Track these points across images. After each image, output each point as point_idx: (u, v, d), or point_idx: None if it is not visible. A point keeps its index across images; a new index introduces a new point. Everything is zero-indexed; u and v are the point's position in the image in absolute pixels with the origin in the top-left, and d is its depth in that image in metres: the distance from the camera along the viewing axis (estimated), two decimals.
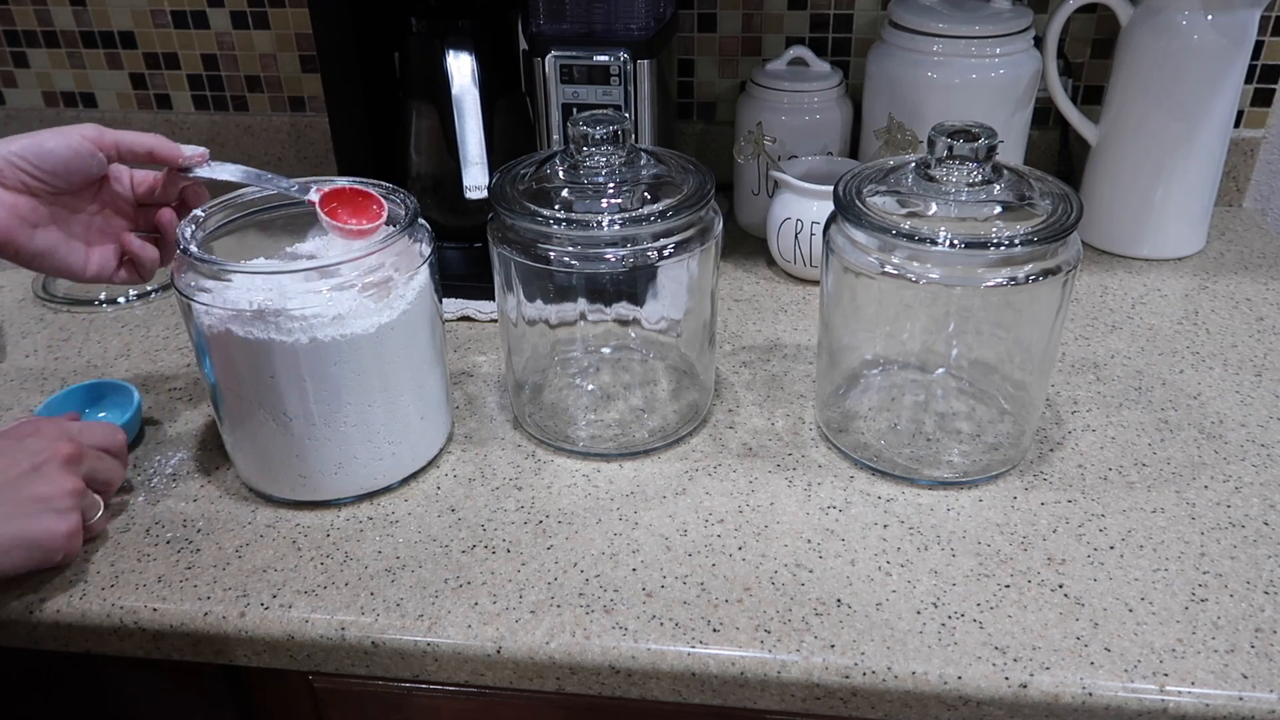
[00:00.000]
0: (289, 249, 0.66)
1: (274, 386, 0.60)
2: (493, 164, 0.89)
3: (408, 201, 0.64)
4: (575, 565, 0.60)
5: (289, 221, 0.67)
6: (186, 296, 0.59)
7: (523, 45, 0.86)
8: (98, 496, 0.61)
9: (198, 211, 0.64)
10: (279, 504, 0.65)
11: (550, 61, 0.81)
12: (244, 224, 0.66)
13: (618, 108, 0.81)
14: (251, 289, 0.58)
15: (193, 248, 0.60)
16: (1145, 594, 0.57)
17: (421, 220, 0.65)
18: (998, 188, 0.62)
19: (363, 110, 0.88)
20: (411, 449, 0.66)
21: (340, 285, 0.59)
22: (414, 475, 0.67)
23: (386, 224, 0.65)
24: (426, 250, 0.64)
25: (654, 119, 0.84)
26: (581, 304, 0.76)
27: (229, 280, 0.58)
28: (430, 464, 0.68)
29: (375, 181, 0.66)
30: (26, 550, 0.56)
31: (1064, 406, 0.74)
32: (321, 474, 0.63)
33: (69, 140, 0.63)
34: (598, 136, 0.65)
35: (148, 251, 0.66)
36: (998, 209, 0.62)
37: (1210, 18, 0.86)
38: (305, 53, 1.12)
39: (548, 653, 0.55)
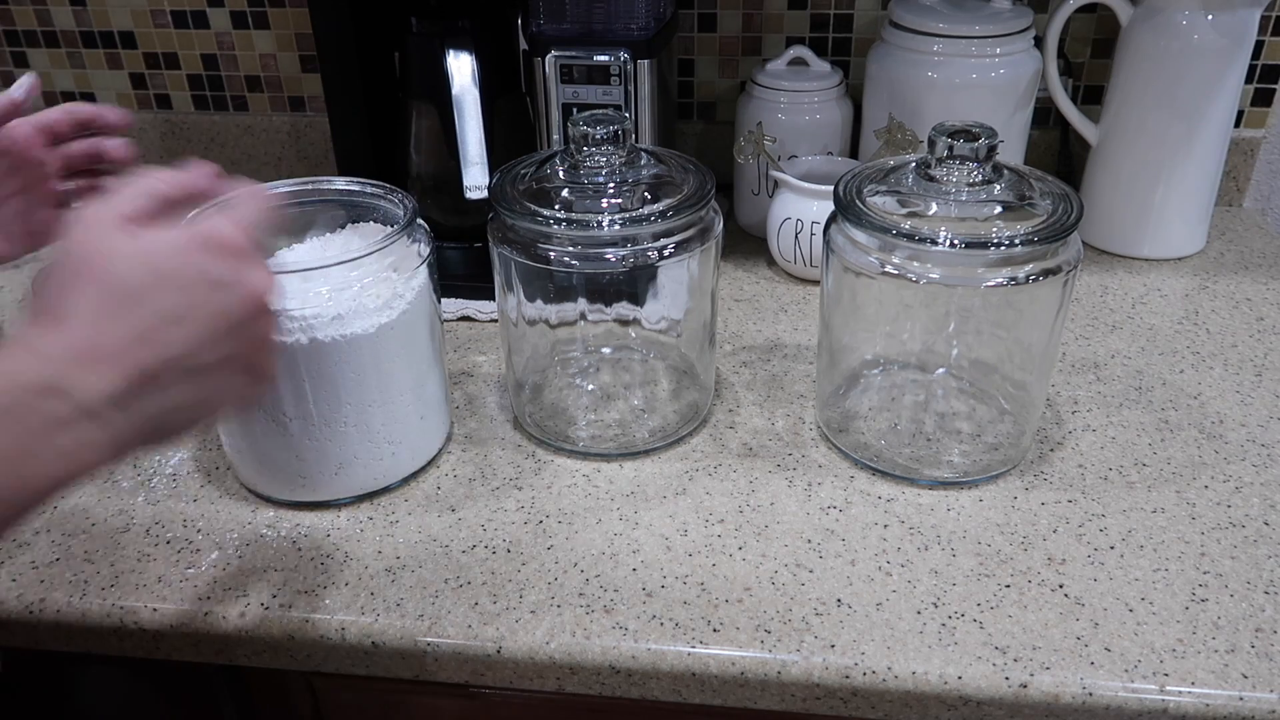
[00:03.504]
0: (287, 249, 0.66)
1: (273, 387, 0.60)
2: (493, 164, 0.89)
3: (406, 202, 0.64)
4: (575, 565, 0.60)
5: (288, 222, 0.67)
6: None
7: (523, 45, 0.86)
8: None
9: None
10: (279, 504, 0.65)
11: (550, 61, 0.81)
12: None
13: (618, 108, 0.81)
14: None
15: None
16: (1145, 594, 0.57)
17: (420, 220, 0.65)
18: (998, 188, 0.62)
19: (363, 110, 0.88)
20: (411, 449, 0.66)
21: (339, 286, 0.59)
22: (414, 475, 0.67)
23: (384, 224, 0.65)
24: (425, 250, 0.64)
25: (654, 119, 0.84)
26: (581, 304, 0.76)
27: None
28: (430, 464, 0.68)
29: (373, 182, 0.66)
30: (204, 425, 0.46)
31: (1064, 406, 0.74)
32: (321, 475, 0.63)
33: None
34: (598, 136, 0.65)
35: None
36: (998, 209, 0.62)
37: (1210, 18, 0.86)
38: (305, 53, 1.12)
39: (548, 653, 0.55)
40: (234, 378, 0.43)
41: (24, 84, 0.64)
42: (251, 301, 0.43)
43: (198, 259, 0.42)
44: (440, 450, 0.69)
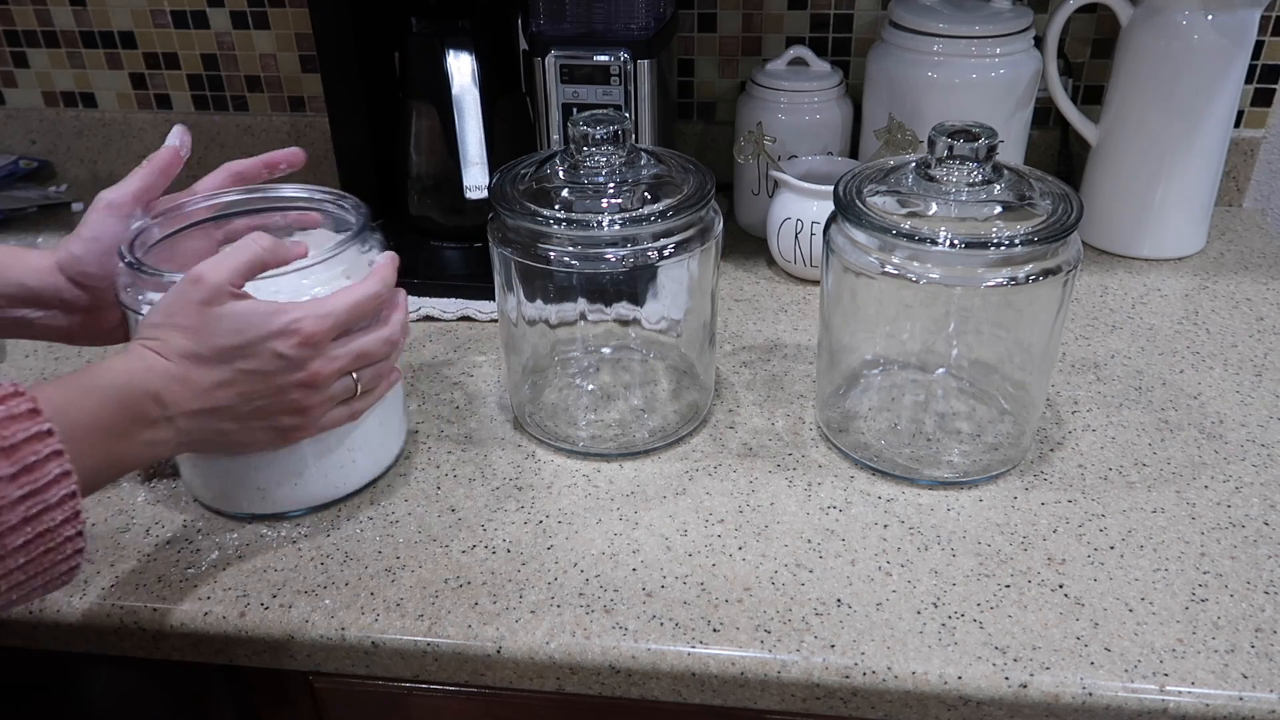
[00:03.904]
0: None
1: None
2: (493, 164, 0.89)
3: (359, 209, 0.63)
4: (575, 565, 0.60)
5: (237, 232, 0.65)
6: (133, 310, 0.58)
7: (523, 45, 0.86)
8: (349, 381, 0.58)
9: (142, 223, 0.62)
10: (237, 519, 0.64)
11: (550, 61, 0.81)
12: (192, 233, 0.64)
13: (618, 108, 0.81)
14: None
15: (139, 257, 0.58)
16: (1145, 594, 0.57)
17: (372, 228, 0.63)
18: (998, 188, 0.62)
19: (363, 110, 0.88)
20: (371, 456, 0.65)
21: (293, 292, 0.57)
22: (402, 476, 0.67)
23: (336, 231, 0.64)
24: (378, 258, 0.61)
25: (654, 119, 0.84)
26: (581, 304, 0.76)
27: None
28: (414, 467, 0.68)
29: (323, 188, 0.65)
30: (238, 453, 0.59)
31: (1064, 406, 0.74)
32: (280, 486, 0.62)
33: (94, 231, 0.60)
34: (598, 136, 0.65)
35: None
36: (998, 209, 0.62)
37: (1210, 18, 0.86)
38: (305, 53, 1.12)
39: (548, 653, 0.55)
40: (272, 423, 0.56)
41: (178, 134, 0.64)
42: (303, 381, 0.55)
43: (275, 340, 0.54)
44: (398, 456, 0.68)
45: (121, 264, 0.58)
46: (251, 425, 0.55)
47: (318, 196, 0.65)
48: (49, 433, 0.44)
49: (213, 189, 0.65)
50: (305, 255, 0.57)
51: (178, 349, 0.52)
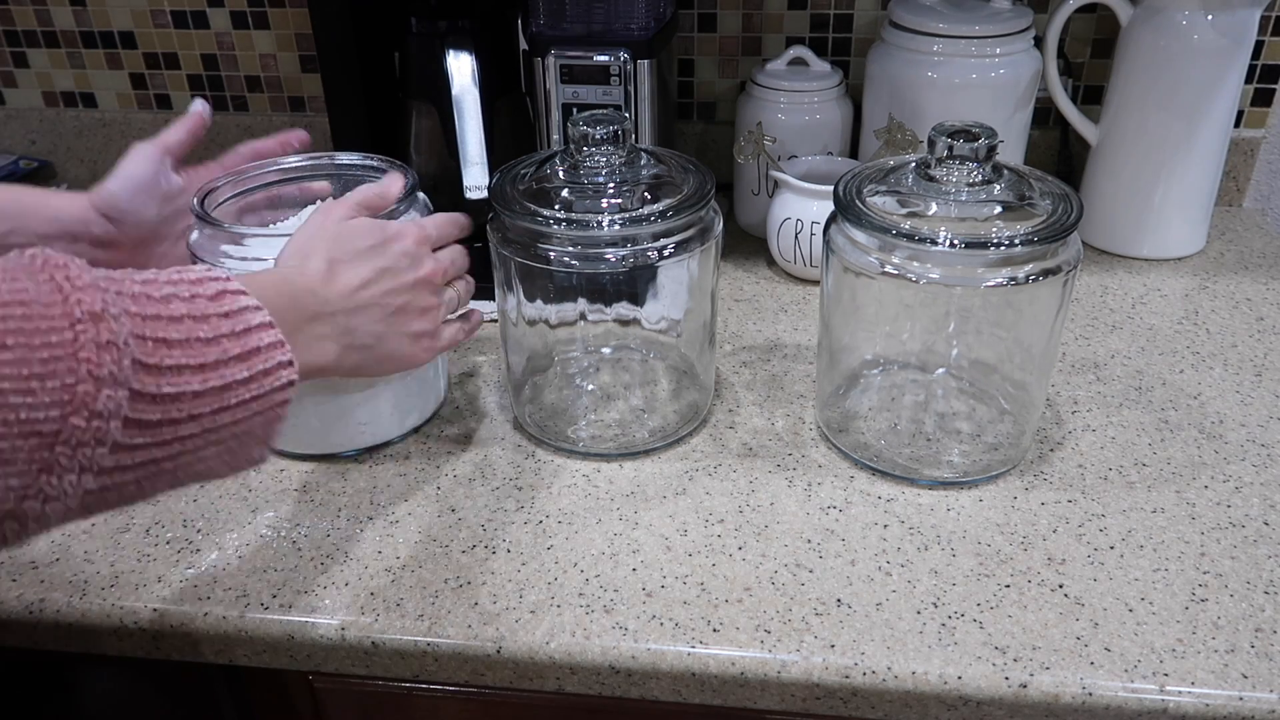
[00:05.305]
0: (292, 216, 0.71)
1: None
2: (493, 164, 0.89)
3: (406, 172, 0.68)
4: (575, 565, 0.60)
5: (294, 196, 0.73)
6: (209, 260, 0.63)
7: (523, 45, 0.86)
8: (453, 292, 0.64)
9: (215, 180, 0.69)
10: (326, 460, 0.68)
11: (550, 61, 0.81)
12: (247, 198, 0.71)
13: (618, 108, 0.81)
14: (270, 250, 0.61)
15: (215, 216, 0.65)
16: (1145, 594, 0.57)
17: (420, 193, 0.69)
18: (998, 188, 0.62)
19: (363, 110, 0.88)
20: (432, 387, 0.72)
21: None
22: (402, 477, 0.67)
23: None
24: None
25: (654, 119, 0.84)
26: (581, 304, 0.76)
27: (246, 245, 0.63)
28: (414, 468, 0.68)
29: (377, 156, 0.72)
30: (389, 367, 0.61)
31: (1064, 406, 0.74)
32: (381, 418, 0.69)
33: (133, 170, 0.66)
34: (598, 136, 0.65)
35: None
36: (998, 209, 0.62)
37: (1210, 18, 0.86)
38: (305, 53, 1.12)
39: (548, 653, 0.55)
40: (408, 329, 0.60)
41: (200, 104, 0.72)
42: (424, 278, 0.61)
43: (395, 241, 0.59)
44: (441, 404, 0.74)
45: (199, 220, 0.65)
46: (395, 329, 0.59)
47: (370, 163, 0.72)
48: (258, 307, 0.47)
49: (233, 166, 0.72)
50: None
51: (320, 260, 0.56)
